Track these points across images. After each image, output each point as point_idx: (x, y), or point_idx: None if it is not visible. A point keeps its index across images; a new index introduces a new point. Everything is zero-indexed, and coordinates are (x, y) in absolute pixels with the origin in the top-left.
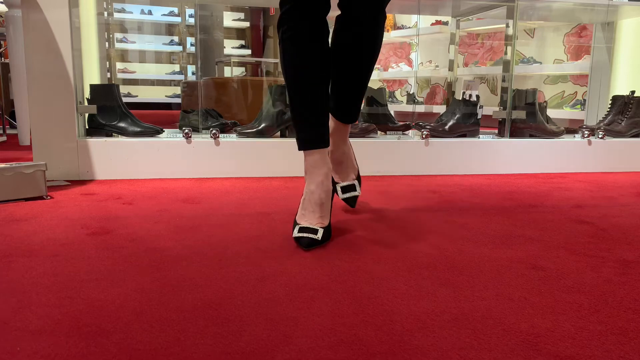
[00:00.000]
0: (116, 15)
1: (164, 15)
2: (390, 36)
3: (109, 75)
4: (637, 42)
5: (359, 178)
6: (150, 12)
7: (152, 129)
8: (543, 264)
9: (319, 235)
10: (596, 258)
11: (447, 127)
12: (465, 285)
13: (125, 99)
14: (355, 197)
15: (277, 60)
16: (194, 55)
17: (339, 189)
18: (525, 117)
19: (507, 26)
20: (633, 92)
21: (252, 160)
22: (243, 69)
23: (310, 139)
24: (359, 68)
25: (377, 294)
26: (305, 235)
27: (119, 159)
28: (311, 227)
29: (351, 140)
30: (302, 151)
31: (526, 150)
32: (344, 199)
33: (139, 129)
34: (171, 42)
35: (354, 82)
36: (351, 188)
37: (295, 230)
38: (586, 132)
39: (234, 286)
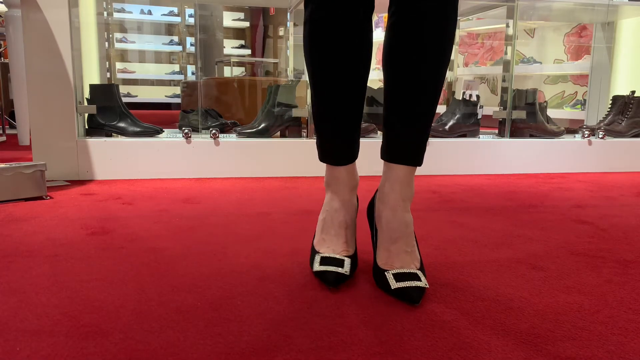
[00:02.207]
0: (116, 15)
1: (164, 15)
2: None
3: (108, 75)
4: (637, 42)
5: (422, 269)
6: (150, 12)
7: (152, 129)
8: (543, 264)
9: (347, 269)
10: (596, 258)
11: (447, 127)
12: (465, 285)
13: (124, 99)
14: (420, 289)
15: (277, 60)
16: (194, 55)
17: (389, 275)
18: (526, 117)
19: (507, 26)
20: (633, 92)
21: (252, 160)
22: (243, 69)
23: (337, 150)
24: (420, 81)
25: (377, 294)
26: (329, 269)
27: (119, 159)
28: (336, 257)
29: None
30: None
31: (526, 150)
32: (398, 290)
33: (138, 129)
34: (171, 42)
35: (413, 101)
36: (412, 276)
37: (315, 262)
38: (586, 132)
39: (234, 286)
